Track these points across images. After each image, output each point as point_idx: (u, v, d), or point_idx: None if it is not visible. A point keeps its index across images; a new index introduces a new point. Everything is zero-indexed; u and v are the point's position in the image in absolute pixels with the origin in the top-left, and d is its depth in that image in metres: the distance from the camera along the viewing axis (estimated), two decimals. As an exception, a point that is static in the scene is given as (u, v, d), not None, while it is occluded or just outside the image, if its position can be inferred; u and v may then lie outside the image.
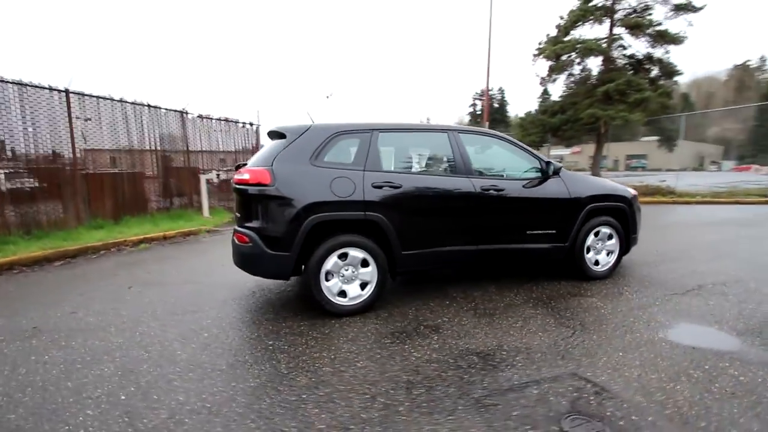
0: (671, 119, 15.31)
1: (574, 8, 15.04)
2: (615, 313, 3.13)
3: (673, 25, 14.15)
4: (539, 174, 3.72)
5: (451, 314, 3.15)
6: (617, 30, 14.79)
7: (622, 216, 4.02)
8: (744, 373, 2.21)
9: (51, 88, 6.65)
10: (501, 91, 57.86)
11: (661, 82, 14.74)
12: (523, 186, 3.64)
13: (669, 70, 14.95)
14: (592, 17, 14.65)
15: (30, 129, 6.53)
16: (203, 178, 9.52)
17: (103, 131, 7.69)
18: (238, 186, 3.13)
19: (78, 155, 7.20)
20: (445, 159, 3.51)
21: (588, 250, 3.89)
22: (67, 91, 6.88)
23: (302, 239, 2.92)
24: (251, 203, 3.04)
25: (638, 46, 14.86)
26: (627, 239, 4.07)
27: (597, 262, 3.97)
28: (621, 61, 15.27)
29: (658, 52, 14.58)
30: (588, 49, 14.42)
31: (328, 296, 3.04)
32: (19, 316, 3.31)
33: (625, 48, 14.92)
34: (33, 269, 4.92)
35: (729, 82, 53.95)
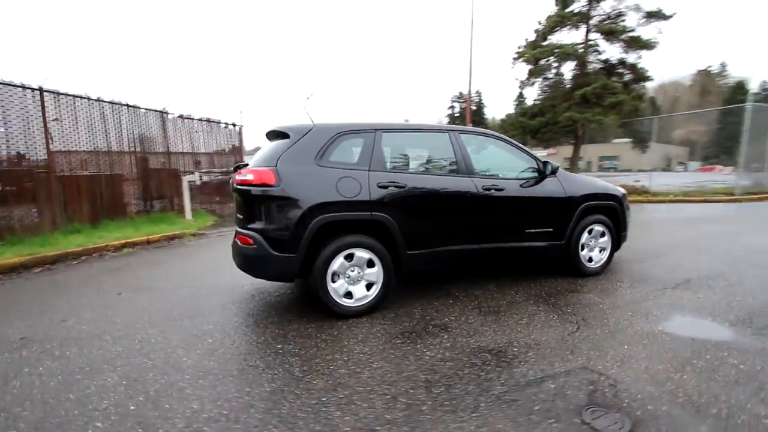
0: (643, 122, 15.96)
1: (552, 14, 15.50)
2: (613, 308, 3.23)
3: (645, 31, 14.75)
4: (536, 174, 3.81)
5: (456, 313, 3.17)
6: (592, 35, 15.34)
7: (614, 214, 4.16)
8: (743, 361, 2.33)
9: (24, 87, 6.31)
10: (478, 93, 58.81)
11: (634, 86, 15.36)
12: (522, 186, 3.71)
13: (640, 75, 15.60)
14: (569, 23, 15.13)
15: (1, 129, 6.18)
16: (185, 180, 9.25)
17: (79, 132, 7.35)
18: (240, 187, 3.05)
19: (53, 157, 6.85)
20: (447, 159, 3.54)
21: (582, 248, 4.01)
22: (41, 90, 6.55)
23: (309, 240, 2.88)
24: (254, 204, 2.97)
25: (612, 52, 15.46)
26: (618, 236, 4.21)
27: (591, 259, 4.08)
28: (596, 66, 15.83)
29: (630, 58, 15.21)
30: (565, 53, 14.88)
31: (334, 298, 3.00)
32: (3, 326, 3.12)
33: (600, 53, 15.49)
34: (10, 277, 4.66)
35: (693, 86, 56.76)
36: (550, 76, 16.35)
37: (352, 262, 3.06)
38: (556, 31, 15.67)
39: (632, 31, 14.67)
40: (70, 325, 3.12)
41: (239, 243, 3.03)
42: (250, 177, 2.93)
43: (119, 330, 3.00)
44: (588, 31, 15.48)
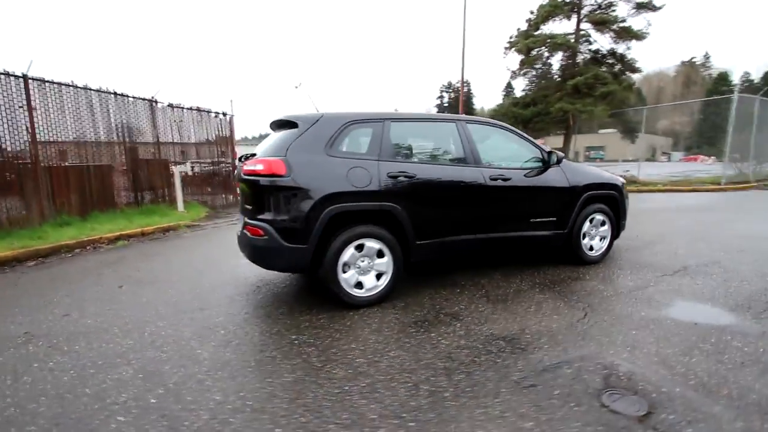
0: (633, 112, 16.20)
1: (544, 3, 15.52)
2: (617, 294, 3.30)
3: (635, 22, 14.88)
4: (540, 164, 3.84)
5: (465, 302, 3.21)
6: (584, 26, 15.42)
7: (614, 203, 4.24)
8: (746, 344, 2.41)
9: (8, 74, 6.05)
10: (467, 83, 58.82)
11: (623, 77, 15.55)
12: (527, 175, 3.74)
13: (629, 66, 15.78)
14: (561, 12, 15.16)
15: (-16, 118, 5.94)
16: (177, 170, 9.05)
17: (66, 121, 7.12)
18: (248, 177, 3.00)
19: (39, 147, 6.62)
20: (454, 149, 3.54)
21: (584, 237, 4.08)
22: (25, 77, 6.31)
23: (320, 231, 2.87)
24: (264, 194, 2.93)
25: (603, 42, 15.58)
26: (617, 225, 4.30)
27: (591, 248, 4.16)
28: (586, 56, 15.94)
29: (620, 48, 15.37)
30: (557, 44, 14.94)
31: (345, 288, 3.00)
32: (4, 322, 3.04)
33: (590, 43, 15.59)
34: (4, 270, 4.53)
35: (677, 77, 57.70)
36: (542, 66, 16.40)
37: (363, 253, 3.06)
38: (548, 20, 15.67)
39: (623, 21, 14.78)
40: (75, 319, 3.06)
41: (249, 234, 2.99)
42: (259, 167, 2.89)
43: (127, 323, 2.95)
44: (579, 21, 15.54)
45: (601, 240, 4.23)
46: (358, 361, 2.31)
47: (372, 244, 3.07)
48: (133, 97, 8.57)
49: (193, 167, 9.91)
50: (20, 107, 6.26)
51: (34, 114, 6.46)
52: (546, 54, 16.04)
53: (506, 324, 2.77)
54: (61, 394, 2.07)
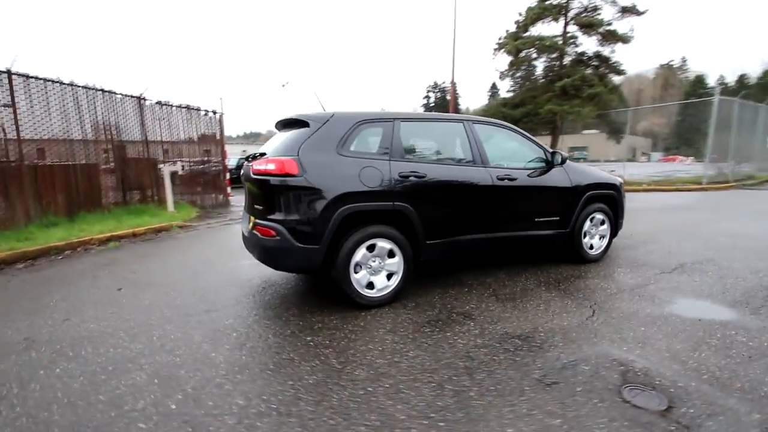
0: (618, 113, 16.59)
1: (533, 5, 15.76)
2: (621, 292, 3.38)
3: (620, 26, 15.26)
4: (544, 164, 3.89)
5: (475, 301, 3.23)
6: (570, 28, 15.72)
7: (613, 202, 4.33)
8: (750, 338, 2.50)
9: (-10, 68, 5.81)
10: (453, 84, 59.22)
11: (608, 79, 15.92)
12: (532, 175, 3.79)
13: (614, 68, 16.17)
14: (549, 15, 15.42)
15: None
16: (167, 169, 8.84)
17: (52, 119, 6.87)
18: (258, 177, 2.96)
19: (23, 145, 6.37)
20: (462, 149, 3.56)
21: (585, 235, 4.16)
22: (9, 73, 6.06)
23: (333, 231, 2.84)
24: (275, 194, 2.89)
25: (589, 44, 15.92)
26: (616, 224, 4.40)
27: (592, 246, 4.25)
28: (573, 58, 16.24)
29: (605, 51, 15.72)
30: (546, 46, 15.19)
31: (357, 289, 2.99)
32: (2, 327, 2.92)
33: (577, 45, 15.91)
34: (-9, 274, 4.34)
35: (656, 80, 59.39)
36: (531, 67, 16.65)
37: (374, 253, 3.05)
38: (537, 22, 15.91)
39: (609, 24, 15.13)
40: (76, 324, 2.96)
41: (259, 235, 2.94)
42: (271, 167, 2.84)
43: (132, 327, 2.87)
44: (566, 24, 15.83)
45: (600, 239, 4.32)
46: (378, 362, 2.30)
47: (383, 244, 3.06)
48: (121, 95, 8.33)
49: (183, 166, 9.68)
50: (3, 104, 6.01)
51: (18, 111, 6.22)
52: (534, 55, 16.28)
53: (519, 323, 2.81)
54: (73, 401, 2.00)
